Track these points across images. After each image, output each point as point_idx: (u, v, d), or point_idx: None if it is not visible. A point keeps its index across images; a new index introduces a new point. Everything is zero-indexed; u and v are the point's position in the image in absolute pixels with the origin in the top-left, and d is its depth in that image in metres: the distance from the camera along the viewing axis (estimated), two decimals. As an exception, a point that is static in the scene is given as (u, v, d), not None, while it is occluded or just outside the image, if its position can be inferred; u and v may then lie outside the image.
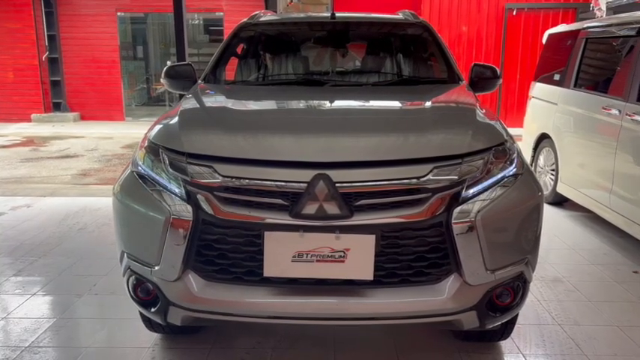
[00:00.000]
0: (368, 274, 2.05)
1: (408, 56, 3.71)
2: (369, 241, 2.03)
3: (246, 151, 2.15)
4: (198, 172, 2.14)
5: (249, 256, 2.10)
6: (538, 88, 5.94)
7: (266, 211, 2.07)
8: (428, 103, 2.65)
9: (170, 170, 2.21)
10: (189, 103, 2.76)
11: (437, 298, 2.10)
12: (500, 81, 3.51)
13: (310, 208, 2.02)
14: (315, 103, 2.75)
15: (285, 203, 2.06)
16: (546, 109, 5.59)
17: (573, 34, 5.38)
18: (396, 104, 2.82)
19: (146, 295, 2.29)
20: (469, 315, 2.16)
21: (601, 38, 4.92)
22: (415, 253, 2.09)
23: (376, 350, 2.77)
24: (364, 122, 2.47)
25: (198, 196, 2.12)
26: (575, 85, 5.12)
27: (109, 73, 12.43)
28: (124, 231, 2.34)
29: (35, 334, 2.93)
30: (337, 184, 2.03)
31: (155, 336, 2.89)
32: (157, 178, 2.24)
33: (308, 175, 2.04)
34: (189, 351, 2.78)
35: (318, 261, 2.04)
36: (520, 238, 2.24)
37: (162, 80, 3.52)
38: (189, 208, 2.11)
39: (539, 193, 2.34)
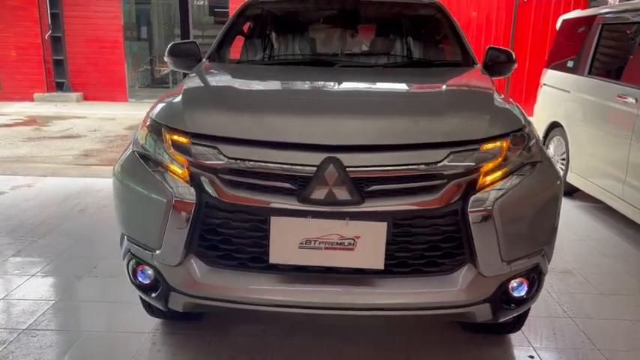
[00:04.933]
0: (378, 263, 1.96)
1: (421, 38, 3.58)
2: (381, 228, 1.93)
3: (253, 132, 2.05)
4: (202, 152, 2.04)
5: (255, 242, 2.01)
6: (550, 76, 5.80)
7: (273, 196, 1.98)
8: (443, 86, 2.54)
9: (173, 150, 2.11)
10: (194, 81, 2.65)
11: (450, 289, 2.01)
12: (516, 65, 3.39)
13: (319, 193, 1.92)
14: (325, 83, 2.63)
15: (293, 187, 1.96)
16: (558, 96, 5.46)
17: (588, 20, 5.23)
18: (410, 86, 2.70)
19: (146, 279, 2.21)
20: (482, 307, 2.08)
21: (618, 24, 4.77)
22: (428, 242, 1.99)
23: (384, 341, 2.70)
24: (377, 104, 2.36)
25: (202, 178, 2.02)
26: (590, 73, 4.99)
27: (113, 53, 12.27)
28: (124, 213, 2.26)
29: (33, 317, 2.86)
30: (348, 169, 1.93)
31: (156, 321, 2.82)
32: (159, 158, 2.15)
33: (317, 158, 1.95)
34: (191, 337, 2.71)
35: (326, 248, 1.95)
36: (537, 228, 2.14)
37: (165, 58, 3.41)
38: (193, 190, 2.02)
39: (558, 182, 2.24)
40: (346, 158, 1.94)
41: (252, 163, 1.98)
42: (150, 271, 2.19)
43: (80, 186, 5.39)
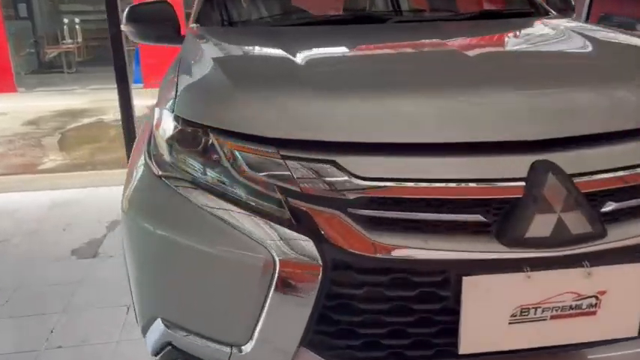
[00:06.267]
0: (631, 328, 1.21)
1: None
2: (638, 273, 1.18)
3: (398, 131, 1.19)
4: (311, 172, 1.16)
5: (426, 320, 1.18)
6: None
7: (453, 239, 1.15)
8: (590, 42, 1.78)
9: (248, 172, 1.21)
10: (222, 52, 1.69)
11: None
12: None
13: (540, 226, 1.12)
14: (437, 48, 1.75)
15: (487, 220, 1.15)
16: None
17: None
18: (549, 44, 1.90)
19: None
20: None
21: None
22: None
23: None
24: (555, 72, 1.51)
25: (318, 220, 1.15)
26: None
27: (-9, 34, 10.33)
28: (159, 282, 1.32)
29: None
30: (574, 179, 1.15)
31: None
32: (223, 187, 1.23)
33: (521, 164, 1.15)
34: None
35: (553, 317, 1.16)
36: None
37: (123, 28, 2.40)
38: (310, 242, 1.14)
39: None
40: (565, 160, 1.16)
41: (407, 184, 1.14)
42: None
43: (-12, 206, 4.12)
